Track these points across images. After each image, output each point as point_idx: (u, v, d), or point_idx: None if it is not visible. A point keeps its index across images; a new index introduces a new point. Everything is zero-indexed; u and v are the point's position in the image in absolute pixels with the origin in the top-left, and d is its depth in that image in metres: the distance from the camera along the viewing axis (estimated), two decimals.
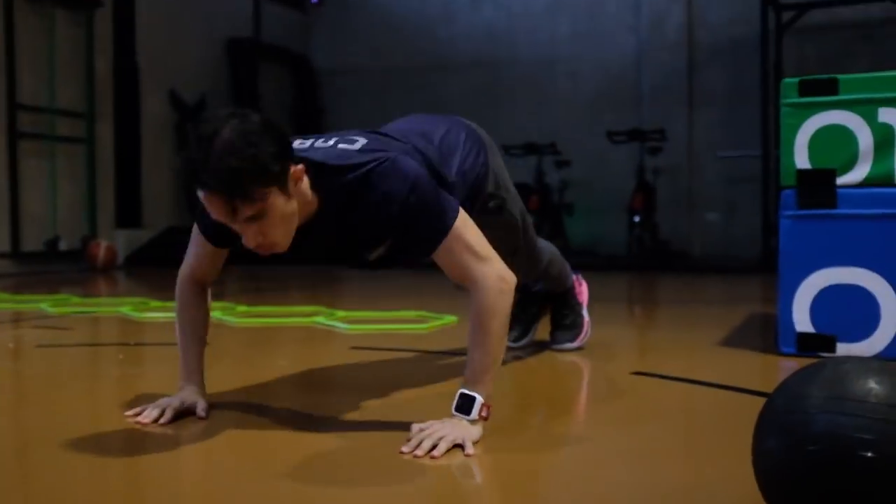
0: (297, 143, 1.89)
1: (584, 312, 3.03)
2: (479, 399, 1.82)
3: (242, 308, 4.19)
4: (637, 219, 8.16)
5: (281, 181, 1.69)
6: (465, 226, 1.86)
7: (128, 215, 8.41)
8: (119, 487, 1.59)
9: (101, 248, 7.60)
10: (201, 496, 1.54)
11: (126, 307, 4.25)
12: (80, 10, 7.93)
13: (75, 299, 4.82)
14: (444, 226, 1.83)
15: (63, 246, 7.64)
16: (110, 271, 7.47)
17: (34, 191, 7.52)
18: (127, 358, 3.03)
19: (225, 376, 2.47)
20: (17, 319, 4.14)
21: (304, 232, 1.84)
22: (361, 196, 1.83)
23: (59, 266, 7.51)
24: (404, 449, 1.73)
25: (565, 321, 3.02)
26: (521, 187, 8.82)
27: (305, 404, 2.25)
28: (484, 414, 1.82)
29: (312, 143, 1.92)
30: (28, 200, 7.46)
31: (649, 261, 7.97)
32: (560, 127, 9.12)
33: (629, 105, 9.22)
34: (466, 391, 1.83)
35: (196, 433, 1.89)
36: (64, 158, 7.80)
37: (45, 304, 4.40)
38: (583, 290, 3.08)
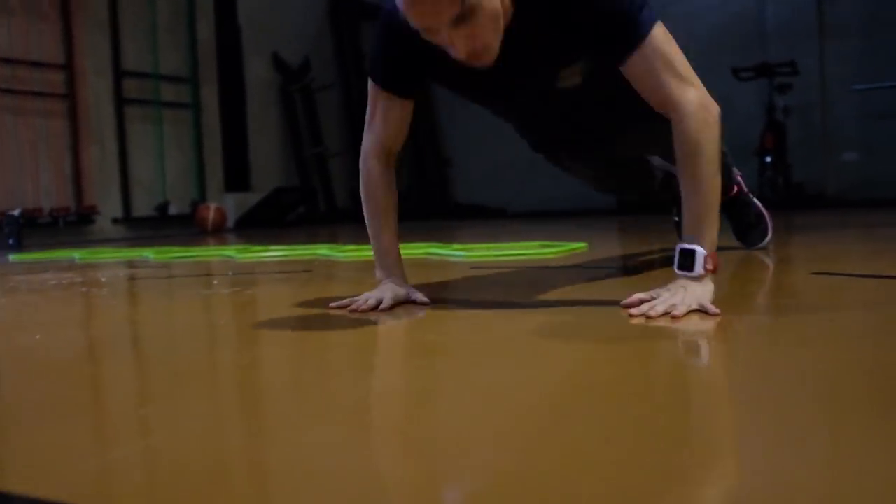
0: None
1: (759, 203, 2.84)
2: (701, 251, 1.62)
3: (351, 247, 3.93)
4: (768, 160, 7.59)
5: None
6: (668, 39, 1.66)
7: (236, 179, 8.31)
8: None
9: (211, 211, 7.51)
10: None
11: (229, 251, 4.04)
12: None
13: (178, 249, 4.66)
14: (643, 29, 1.62)
15: (173, 210, 7.58)
16: (220, 233, 7.36)
17: (143, 157, 7.47)
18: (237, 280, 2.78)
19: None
20: (123, 265, 3.98)
21: (501, 52, 1.63)
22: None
23: (169, 230, 7.45)
24: (633, 311, 1.57)
25: (748, 218, 2.85)
26: None
27: (490, 300, 2.05)
28: (710, 266, 1.63)
29: None
30: (137, 166, 7.41)
31: (783, 203, 7.40)
32: None
33: (753, 42, 8.60)
34: (685, 245, 1.65)
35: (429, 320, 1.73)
36: (170, 124, 7.73)
37: (148, 253, 4.23)
38: (741, 178, 2.88)
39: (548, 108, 2.02)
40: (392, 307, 1.82)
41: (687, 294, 1.59)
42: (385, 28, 1.79)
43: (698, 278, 1.62)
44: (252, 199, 8.23)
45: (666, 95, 1.63)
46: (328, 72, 9.31)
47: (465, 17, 1.50)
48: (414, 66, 1.78)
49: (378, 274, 1.93)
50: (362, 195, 1.96)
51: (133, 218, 7.32)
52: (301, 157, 8.91)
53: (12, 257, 4.76)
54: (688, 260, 1.63)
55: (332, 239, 5.33)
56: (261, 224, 7.86)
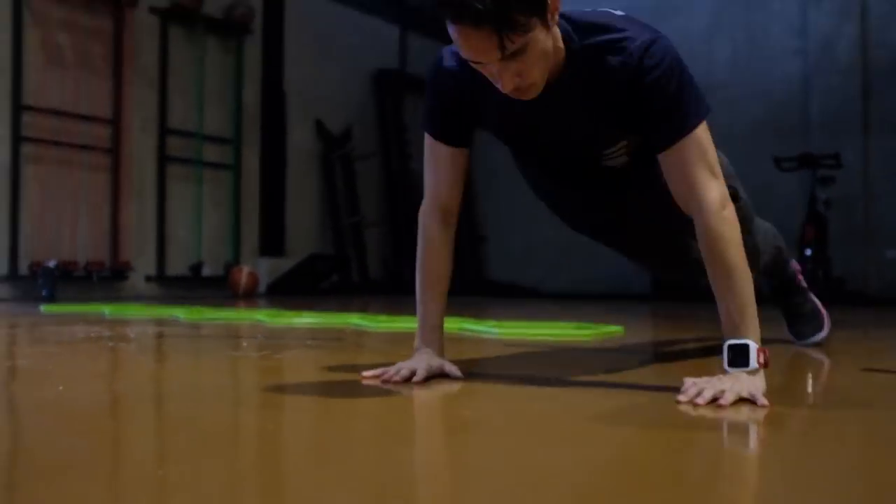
0: None
1: (814, 297, 2.69)
2: (753, 345, 1.57)
3: (383, 317, 3.87)
4: (808, 252, 7.47)
5: (542, 11, 1.52)
6: (708, 136, 1.69)
7: (271, 243, 8.32)
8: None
9: (244, 274, 7.50)
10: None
11: (260, 315, 4.00)
12: (230, 38, 7.97)
13: (208, 310, 4.63)
14: (692, 121, 1.65)
15: (206, 271, 7.58)
16: (251, 297, 7.34)
17: (180, 215, 7.52)
18: (263, 344, 2.73)
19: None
20: (152, 323, 3.95)
21: (546, 96, 1.65)
22: (618, 63, 1.65)
23: (201, 291, 7.44)
24: (681, 398, 1.53)
25: (803, 310, 2.67)
26: None
27: (524, 378, 1.98)
28: (762, 360, 1.57)
29: None
30: (174, 225, 7.45)
31: (822, 297, 7.26)
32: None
33: (796, 133, 8.56)
34: (734, 341, 1.59)
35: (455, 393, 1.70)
36: (210, 184, 7.79)
37: (178, 312, 4.20)
38: (800, 273, 2.72)
39: (587, 185, 1.99)
40: (426, 380, 1.76)
41: (737, 383, 1.53)
42: (435, 76, 1.82)
43: (753, 372, 1.57)
44: (285, 264, 8.23)
45: (694, 186, 1.65)
46: (369, 141, 9.38)
47: (516, 54, 1.51)
48: (463, 110, 1.78)
49: (417, 342, 1.88)
50: (417, 258, 1.91)
51: (166, 277, 7.33)
52: (337, 225, 8.93)
53: (44, 308, 4.76)
54: (740, 355, 1.58)
55: (364, 309, 5.29)
56: (293, 290, 7.84)
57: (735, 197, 1.94)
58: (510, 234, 9.74)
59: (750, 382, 1.54)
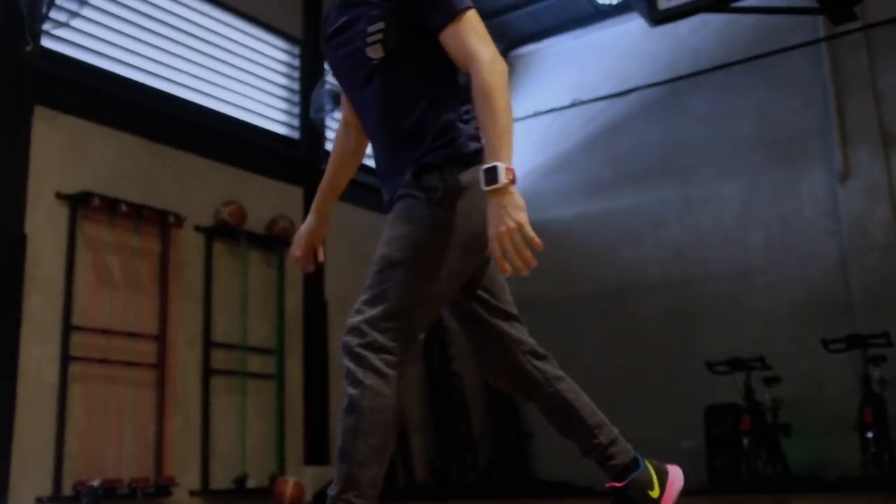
0: None
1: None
2: (501, 165, 2.04)
3: None
4: (870, 435, 7.21)
5: None
6: (475, 17, 2.25)
7: (316, 451, 8.21)
8: None
9: (289, 485, 7.36)
10: None
11: None
12: (272, 251, 8.21)
13: None
14: (458, 7, 2.22)
15: (251, 483, 7.45)
16: None
17: (225, 428, 7.48)
18: None
19: None
20: None
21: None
22: None
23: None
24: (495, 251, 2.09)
25: None
26: (731, 408, 8.11)
27: None
28: (511, 177, 2.03)
29: None
30: (218, 437, 7.40)
31: (891, 482, 6.94)
32: (764, 340, 8.43)
33: (840, 314, 8.47)
34: (487, 165, 2.07)
35: None
36: (254, 395, 7.79)
37: None
38: (671, 488, 2.40)
39: (367, 95, 2.40)
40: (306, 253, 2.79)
41: (503, 216, 2.01)
42: None
43: (503, 188, 2.02)
44: (331, 472, 8.04)
45: (469, 51, 2.17)
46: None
47: None
48: None
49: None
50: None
51: (211, 490, 7.20)
52: None
53: None
54: (491, 174, 2.04)
55: None
56: None
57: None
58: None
59: (511, 208, 2.01)
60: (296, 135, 8.91)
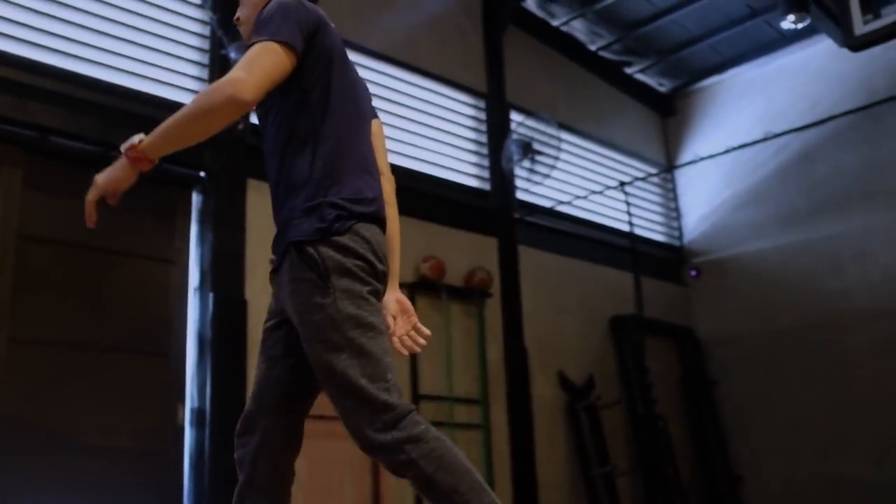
0: None
1: None
2: (135, 138, 2.19)
3: None
4: None
5: None
6: (270, 51, 2.28)
7: (524, 500, 8.24)
8: None
9: None
10: None
11: None
12: (472, 303, 8.36)
13: None
14: (263, 35, 2.31)
15: None
16: None
17: None
18: None
19: None
20: None
21: None
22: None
23: None
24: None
25: None
26: None
27: None
28: (132, 155, 2.18)
29: None
30: None
31: None
32: None
33: None
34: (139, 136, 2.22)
35: None
36: (462, 445, 7.84)
37: None
38: None
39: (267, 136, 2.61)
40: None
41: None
42: None
43: (123, 167, 2.20)
44: None
45: (237, 63, 2.26)
46: (612, 389, 9.34)
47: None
48: None
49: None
50: None
51: None
52: (588, 476, 8.76)
53: None
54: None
55: None
56: None
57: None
58: (768, 471, 9.18)
59: (109, 172, 2.22)
60: (486, 186, 9.07)
